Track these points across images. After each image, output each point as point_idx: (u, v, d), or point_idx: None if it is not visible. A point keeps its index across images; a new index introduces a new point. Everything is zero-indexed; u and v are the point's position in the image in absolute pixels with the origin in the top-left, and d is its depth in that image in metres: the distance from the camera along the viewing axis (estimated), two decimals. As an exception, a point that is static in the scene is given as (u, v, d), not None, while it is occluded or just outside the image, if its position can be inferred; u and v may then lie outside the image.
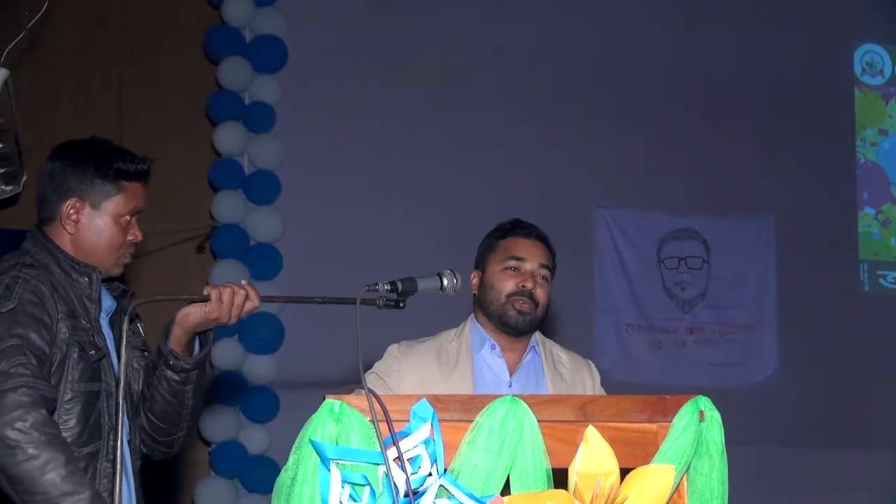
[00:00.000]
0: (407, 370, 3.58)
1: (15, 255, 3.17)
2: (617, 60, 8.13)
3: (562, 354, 3.79)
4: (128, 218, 3.22)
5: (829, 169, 8.44)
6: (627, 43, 8.17)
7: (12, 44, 4.62)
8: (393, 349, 3.66)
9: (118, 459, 2.67)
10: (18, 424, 2.82)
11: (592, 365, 3.84)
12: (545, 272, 3.71)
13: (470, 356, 3.66)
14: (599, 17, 8.15)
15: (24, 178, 6.01)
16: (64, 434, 2.98)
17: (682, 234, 8.21)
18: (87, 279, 3.16)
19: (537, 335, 3.76)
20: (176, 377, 3.17)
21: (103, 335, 3.18)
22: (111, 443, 3.11)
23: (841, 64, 8.66)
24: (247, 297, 3.06)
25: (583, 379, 3.74)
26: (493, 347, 3.68)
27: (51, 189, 3.21)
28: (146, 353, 3.34)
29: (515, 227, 3.78)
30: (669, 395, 2.57)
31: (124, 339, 2.72)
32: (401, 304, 3.08)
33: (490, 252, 3.74)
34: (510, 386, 3.64)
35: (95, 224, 3.19)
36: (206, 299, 3.02)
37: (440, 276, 3.19)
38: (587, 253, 7.96)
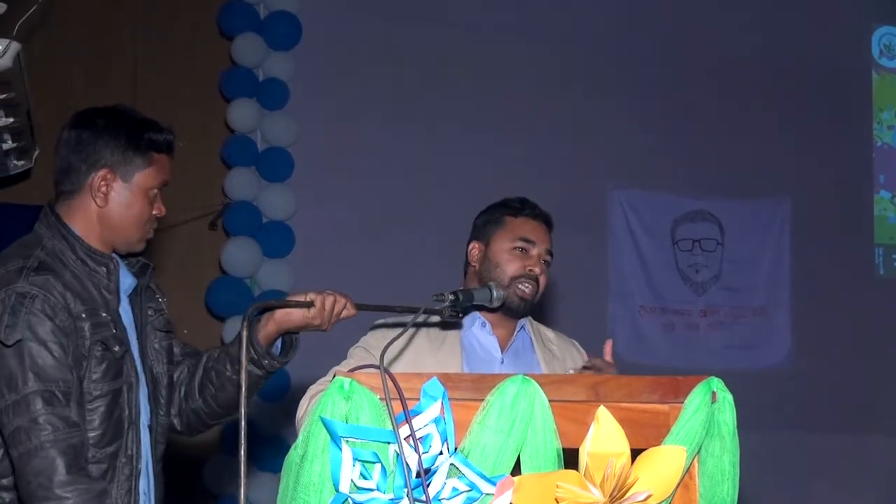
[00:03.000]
0: (394, 345, 3.52)
1: (23, 248, 3.03)
2: (632, 42, 8.10)
3: (548, 333, 3.76)
4: (155, 191, 3.12)
5: (844, 152, 8.41)
6: (643, 24, 8.13)
7: (24, 17, 4.60)
8: (379, 326, 3.62)
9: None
10: (44, 493, 2.79)
11: (578, 344, 3.80)
12: (549, 258, 3.66)
13: (458, 332, 3.61)
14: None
15: (36, 153, 6.02)
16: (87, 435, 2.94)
17: (697, 216, 8.19)
18: (104, 269, 3.05)
19: None
20: (258, 372, 3.15)
21: (123, 326, 3.08)
22: (130, 436, 3.04)
23: (858, 46, 8.63)
24: (345, 306, 3.10)
25: (573, 357, 3.71)
26: (483, 325, 3.63)
27: (78, 159, 3.07)
28: (170, 332, 3.28)
29: (525, 207, 3.70)
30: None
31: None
32: (460, 315, 3.33)
33: (497, 227, 3.66)
34: (502, 363, 3.60)
35: (124, 197, 3.07)
36: (310, 305, 3.04)
37: (489, 289, 3.40)
38: (601, 234, 7.95)
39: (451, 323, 3.61)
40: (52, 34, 6.96)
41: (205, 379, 3.24)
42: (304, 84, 7.41)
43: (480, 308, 3.51)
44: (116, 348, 3.00)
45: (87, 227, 3.08)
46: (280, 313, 3.08)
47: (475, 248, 3.69)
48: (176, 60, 7.49)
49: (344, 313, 3.10)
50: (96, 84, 7.18)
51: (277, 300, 3.12)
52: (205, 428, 3.34)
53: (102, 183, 3.05)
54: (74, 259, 3.02)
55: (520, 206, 3.71)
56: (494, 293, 3.37)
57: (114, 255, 3.11)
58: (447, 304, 3.18)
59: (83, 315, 2.95)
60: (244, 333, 2.63)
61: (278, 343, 3.20)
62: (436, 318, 3.64)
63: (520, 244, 3.62)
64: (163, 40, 7.50)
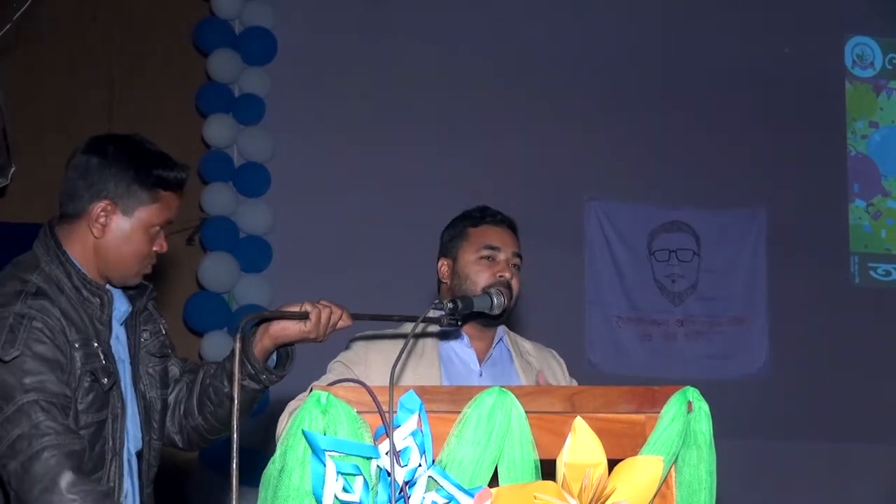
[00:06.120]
0: (374, 359, 3.47)
1: (21, 270, 2.99)
2: (607, 53, 8.12)
3: (526, 344, 3.73)
4: (157, 228, 3.08)
5: (819, 161, 8.44)
6: (618, 35, 8.16)
7: (-1, 35, 4.59)
8: (358, 340, 3.60)
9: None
10: (48, 497, 2.72)
11: (556, 353, 3.78)
12: (517, 261, 3.62)
13: (436, 345, 3.58)
14: (590, 10, 8.14)
15: (12, 170, 5.99)
16: None
17: (673, 227, 8.21)
18: (98, 300, 3.02)
19: (502, 326, 3.70)
20: (256, 386, 3.14)
21: (113, 357, 3.04)
22: (113, 468, 3.00)
23: (831, 56, 8.66)
24: (340, 317, 3.07)
25: (551, 366, 3.68)
26: (461, 338, 3.61)
27: (83, 185, 3.02)
28: (166, 356, 3.25)
29: (486, 215, 3.67)
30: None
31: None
32: (459, 323, 3.26)
33: (460, 240, 3.63)
34: (480, 375, 3.56)
35: (123, 231, 3.03)
36: (305, 316, 3.01)
37: (489, 295, 3.36)
38: (577, 245, 7.96)
39: (429, 336, 3.60)
40: (28, 53, 6.94)
41: (203, 396, 3.22)
42: (279, 99, 7.42)
43: (479, 315, 3.45)
44: (105, 380, 2.96)
45: (84, 255, 3.05)
46: (275, 328, 3.06)
47: (444, 266, 3.67)
48: (152, 76, 7.49)
49: (340, 324, 3.07)
50: (73, 102, 7.17)
51: (272, 311, 3.08)
52: (205, 443, 3.32)
53: (102, 213, 3.02)
54: (71, 287, 2.99)
55: (480, 216, 3.68)
56: (495, 300, 3.34)
57: (108, 287, 3.07)
58: (445, 312, 3.15)
59: (77, 344, 2.92)
60: (237, 346, 2.61)
61: (273, 357, 3.17)
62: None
63: (485, 252, 3.58)
64: (139, 56, 7.50)
